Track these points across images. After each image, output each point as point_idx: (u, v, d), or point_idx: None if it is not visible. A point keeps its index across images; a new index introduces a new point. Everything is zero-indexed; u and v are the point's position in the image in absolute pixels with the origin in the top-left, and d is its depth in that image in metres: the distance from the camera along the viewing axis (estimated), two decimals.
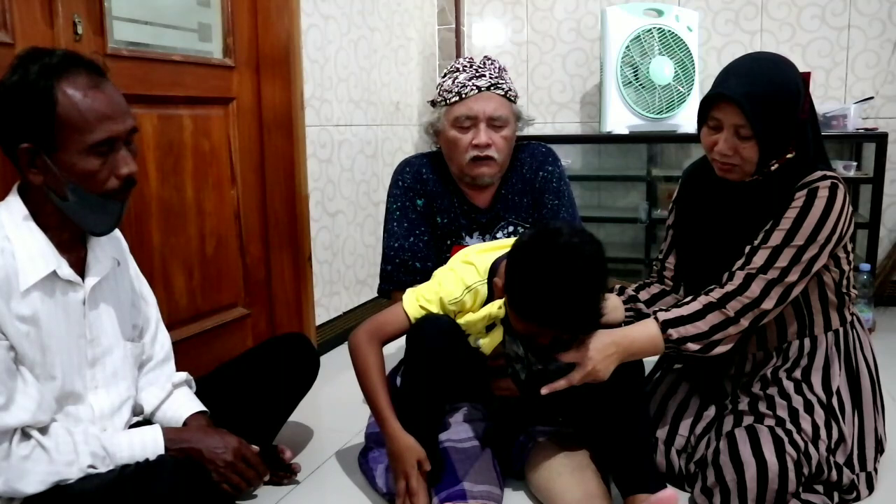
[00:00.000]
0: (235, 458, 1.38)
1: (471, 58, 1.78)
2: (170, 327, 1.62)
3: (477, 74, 1.73)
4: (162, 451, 1.30)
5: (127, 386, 1.39)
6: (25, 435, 1.18)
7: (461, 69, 1.75)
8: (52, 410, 1.22)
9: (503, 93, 1.74)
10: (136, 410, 1.44)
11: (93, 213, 1.24)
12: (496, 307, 1.45)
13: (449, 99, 1.73)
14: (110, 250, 1.37)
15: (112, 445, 1.26)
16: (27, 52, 1.21)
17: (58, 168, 1.18)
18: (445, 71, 1.80)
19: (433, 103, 1.79)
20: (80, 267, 1.29)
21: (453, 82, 1.73)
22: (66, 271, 1.24)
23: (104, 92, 1.21)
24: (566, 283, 1.24)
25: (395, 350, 1.64)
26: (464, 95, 1.71)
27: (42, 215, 1.23)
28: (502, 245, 1.51)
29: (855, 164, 2.79)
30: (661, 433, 1.59)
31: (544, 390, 1.33)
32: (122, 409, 1.37)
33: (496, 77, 1.74)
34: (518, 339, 1.34)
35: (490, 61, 1.77)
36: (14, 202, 1.23)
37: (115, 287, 1.38)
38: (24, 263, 1.18)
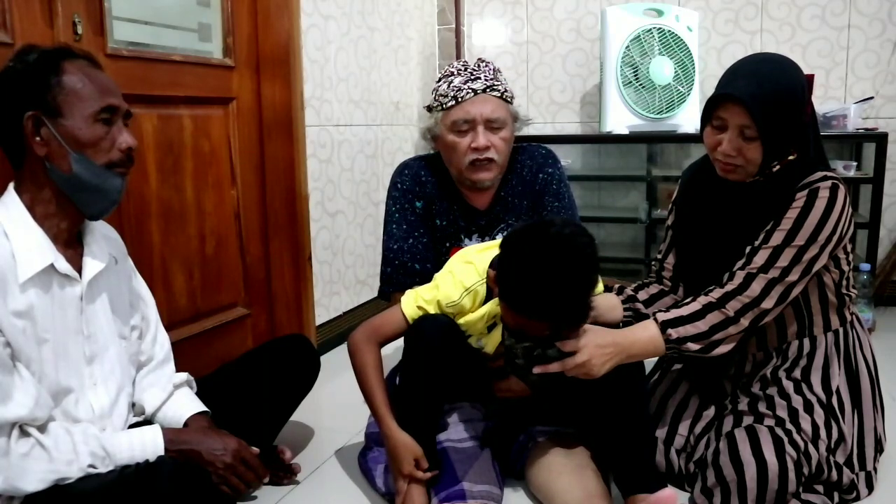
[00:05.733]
0: (235, 461, 1.38)
1: (465, 61, 1.78)
2: (170, 327, 1.63)
3: (472, 77, 1.72)
4: (161, 451, 1.30)
5: (124, 383, 1.39)
6: (24, 433, 1.18)
7: (456, 73, 1.74)
8: (50, 407, 1.22)
9: (499, 94, 1.73)
10: (138, 411, 1.44)
11: (94, 188, 1.25)
12: (495, 304, 1.45)
13: (445, 103, 1.72)
14: (107, 247, 1.37)
15: (112, 446, 1.26)
16: (22, 47, 1.28)
17: (62, 136, 1.22)
18: (440, 75, 1.79)
19: (429, 108, 1.79)
20: (77, 263, 1.30)
21: (448, 86, 1.73)
22: (63, 265, 1.25)
23: (102, 74, 1.29)
24: (555, 273, 1.23)
25: (393, 350, 1.64)
26: (460, 99, 1.70)
27: (39, 205, 1.25)
28: None
29: (855, 164, 2.79)
30: (661, 433, 1.59)
31: (537, 369, 1.33)
32: (121, 407, 1.38)
33: (491, 79, 1.73)
34: (514, 333, 1.35)
35: (484, 63, 1.76)
36: (10, 199, 1.25)
37: (112, 284, 1.38)
38: (22, 257, 1.19)
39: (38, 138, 1.22)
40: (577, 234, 1.27)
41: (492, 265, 1.46)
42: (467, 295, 1.47)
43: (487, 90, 1.71)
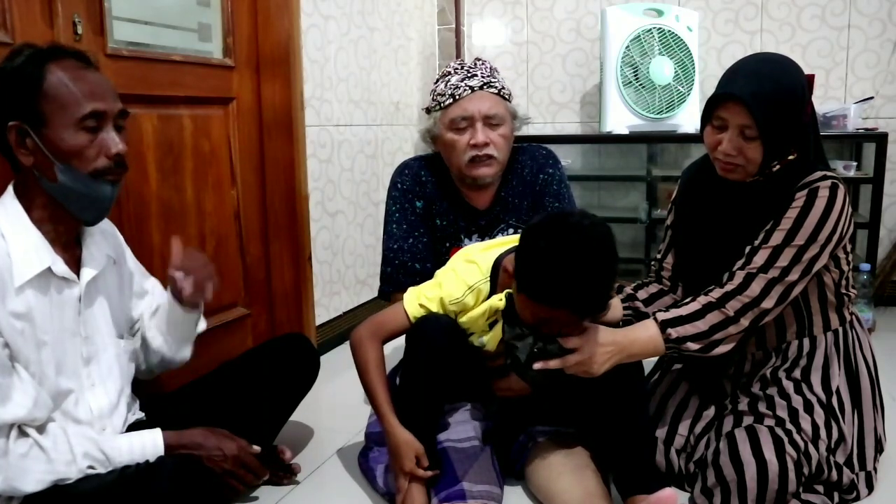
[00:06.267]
0: (234, 466, 1.38)
1: (461, 60, 1.79)
2: None
3: (469, 75, 1.73)
4: (161, 454, 1.30)
5: (123, 383, 1.39)
6: (23, 433, 1.18)
7: (453, 72, 1.76)
8: (49, 408, 1.22)
9: (496, 91, 1.74)
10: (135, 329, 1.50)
11: (83, 197, 1.23)
12: (497, 300, 1.45)
13: (443, 102, 1.73)
14: (105, 247, 1.37)
15: (111, 450, 1.25)
16: (18, 45, 1.25)
17: (46, 147, 1.19)
18: (437, 76, 1.81)
19: (428, 110, 1.80)
20: (75, 264, 1.29)
21: (446, 85, 1.74)
22: (60, 268, 1.24)
23: (91, 74, 1.24)
24: (579, 261, 1.24)
25: (392, 350, 1.64)
26: (457, 96, 1.71)
27: (36, 210, 1.24)
28: (504, 242, 1.51)
29: (855, 164, 2.78)
30: (661, 433, 1.59)
31: (537, 365, 1.33)
32: (120, 407, 1.38)
33: (488, 76, 1.74)
34: (522, 326, 1.35)
35: (481, 62, 1.78)
36: (9, 200, 1.24)
37: (110, 284, 1.38)
38: (19, 260, 1.18)
39: (23, 149, 1.19)
40: (596, 224, 1.29)
41: (497, 266, 1.46)
42: (470, 293, 1.47)
43: (485, 87, 1.72)
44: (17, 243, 1.20)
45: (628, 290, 1.68)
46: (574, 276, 1.24)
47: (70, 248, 1.29)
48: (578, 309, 1.31)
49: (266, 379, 1.61)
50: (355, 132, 2.70)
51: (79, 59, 1.24)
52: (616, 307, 1.62)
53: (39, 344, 1.21)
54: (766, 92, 1.38)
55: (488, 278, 1.46)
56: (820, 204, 1.40)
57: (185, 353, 1.57)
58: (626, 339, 1.39)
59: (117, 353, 1.38)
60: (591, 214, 1.31)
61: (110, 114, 1.24)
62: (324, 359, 1.88)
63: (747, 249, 1.45)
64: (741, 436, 1.35)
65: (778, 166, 1.45)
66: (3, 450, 1.15)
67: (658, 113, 2.90)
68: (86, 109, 1.20)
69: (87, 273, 1.30)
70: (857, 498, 1.46)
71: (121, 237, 1.47)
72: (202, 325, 1.60)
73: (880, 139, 2.69)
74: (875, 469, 1.51)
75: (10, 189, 1.26)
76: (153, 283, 1.56)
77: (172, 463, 1.28)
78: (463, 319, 1.50)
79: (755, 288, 1.41)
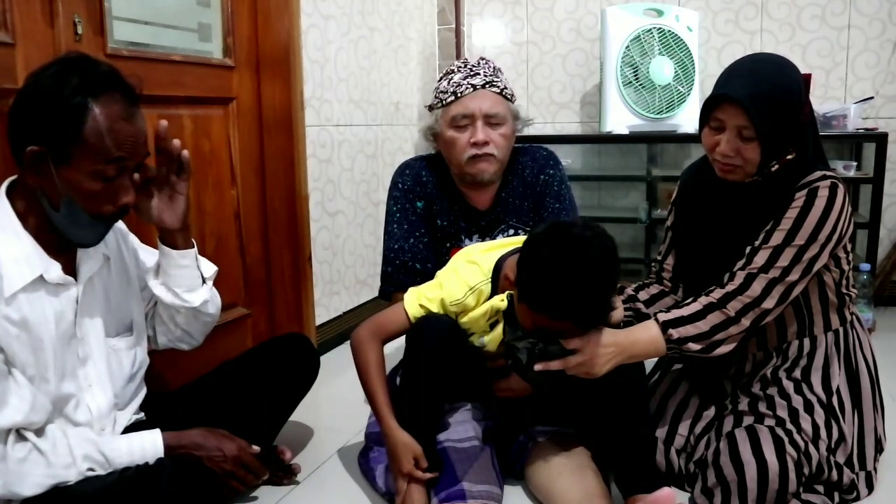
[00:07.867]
0: (234, 467, 1.38)
1: (465, 59, 1.79)
2: None
3: (472, 73, 1.74)
4: (161, 455, 1.30)
5: (123, 381, 1.39)
6: (21, 437, 1.17)
7: (456, 70, 1.76)
8: (47, 411, 1.21)
9: (499, 90, 1.74)
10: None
11: (79, 229, 1.22)
12: (498, 300, 1.45)
13: (445, 99, 1.73)
14: (101, 246, 1.35)
15: (111, 451, 1.25)
16: (74, 57, 1.20)
17: (60, 180, 1.17)
18: (441, 74, 1.81)
19: (430, 108, 1.80)
20: (71, 265, 1.27)
21: (448, 83, 1.74)
22: (54, 275, 1.22)
23: (132, 124, 1.21)
24: (581, 274, 1.24)
25: (392, 350, 1.64)
26: (459, 94, 1.71)
27: (31, 217, 1.22)
28: (505, 244, 1.51)
29: (855, 164, 2.79)
30: (661, 433, 1.59)
31: (538, 366, 1.33)
32: (123, 406, 1.37)
33: (491, 75, 1.74)
34: (523, 328, 1.35)
35: (485, 61, 1.78)
36: (1, 204, 1.21)
37: (106, 282, 1.36)
38: (9, 269, 1.16)
39: (34, 172, 1.17)
40: (599, 235, 1.28)
41: (499, 267, 1.46)
42: (471, 294, 1.47)
43: (487, 86, 1.72)
44: (7, 251, 1.17)
45: (629, 291, 1.68)
46: (576, 289, 1.24)
47: (65, 250, 1.27)
48: (579, 320, 1.31)
49: (266, 379, 1.61)
50: (355, 132, 2.70)
51: (126, 95, 1.20)
52: (617, 308, 1.62)
53: (36, 349, 1.20)
54: (762, 93, 1.38)
55: (489, 279, 1.46)
56: (820, 204, 1.40)
57: (195, 299, 1.45)
58: (627, 339, 1.39)
59: (116, 349, 1.37)
60: (594, 225, 1.31)
61: (132, 163, 1.23)
62: (324, 359, 1.88)
63: (748, 250, 1.45)
64: (741, 436, 1.35)
65: (777, 166, 1.45)
66: (2, 455, 1.14)
67: (658, 113, 2.90)
68: (110, 157, 1.18)
69: (84, 274, 1.29)
70: (857, 498, 1.46)
71: (121, 225, 1.45)
72: (209, 268, 1.51)
73: (880, 139, 2.69)
74: (875, 469, 1.51)
75: (2, 193, 1.23)
76: (152, 253, 1.51)
77: (172, 464, 1.28)
78: (464, 320, 1.49)
79: (756, 288, 1.41)
